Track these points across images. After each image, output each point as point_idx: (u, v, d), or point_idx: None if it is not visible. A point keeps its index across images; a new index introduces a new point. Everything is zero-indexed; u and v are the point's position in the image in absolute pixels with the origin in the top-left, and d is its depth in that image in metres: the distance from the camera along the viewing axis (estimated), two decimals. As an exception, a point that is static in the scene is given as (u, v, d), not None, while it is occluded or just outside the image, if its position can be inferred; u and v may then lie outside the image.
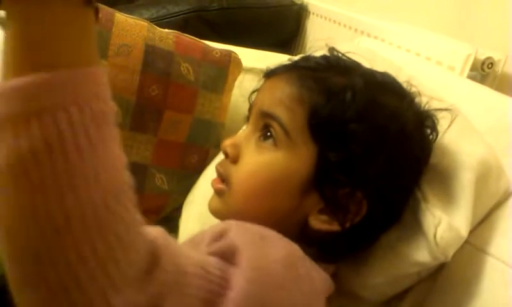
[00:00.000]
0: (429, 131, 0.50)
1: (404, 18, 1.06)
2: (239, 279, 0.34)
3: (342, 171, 0.44)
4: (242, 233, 0.39)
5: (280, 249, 0.40)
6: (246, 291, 0.33)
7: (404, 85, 0.51)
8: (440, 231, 0.45)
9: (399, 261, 0.48)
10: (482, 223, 0.51)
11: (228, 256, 0.36)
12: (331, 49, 0.54)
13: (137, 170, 0.81)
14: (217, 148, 0.86)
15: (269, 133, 0.47)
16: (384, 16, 1.10)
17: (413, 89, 0.51)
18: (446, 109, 0.50)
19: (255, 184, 0.46)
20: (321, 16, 1.41)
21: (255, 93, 0.53)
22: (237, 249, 0.36)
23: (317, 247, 0.46)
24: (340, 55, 0.52)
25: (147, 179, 0.82)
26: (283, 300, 0.37)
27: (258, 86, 0.53)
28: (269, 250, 0.39)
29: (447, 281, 0.51)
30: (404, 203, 0.49)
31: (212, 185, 0.50)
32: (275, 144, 0.46)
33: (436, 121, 0.50)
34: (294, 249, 0.42)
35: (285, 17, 1.45)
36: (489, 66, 0.83)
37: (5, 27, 0.26)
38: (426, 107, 0.51)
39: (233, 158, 0.49)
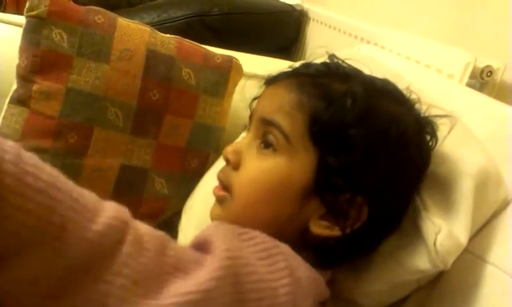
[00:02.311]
0: (428, 137, 0.50)
1: (404, 26, 1.06)
2: (213, 260, 0.36)
3: (342, 176, 0.44)
4: (217, 229, 0.41)
5: (256, 243, 0.41)
6: (220, 271, 0.35)
7: (404, 92, 0.52)
8: (440, 239, 0.45)
9: (399, 268, 0.49)
10: (481, 231, 0.51)
11: (201, 247, 0.38)
12: (331, 56, 0.54)
13: (137, 174, 0.81)
14: (217, 152, 0.86)
15: (269, 140, 0.47)
16: (384, 24, 1.10)
17: (413, 96, 0.52)
18: (445, 116, 0.51)
19: (256, 190, 0.47)
20: (321, 23, 1.41)
21: (256, 101, 0.53)
22: (211, 242, 0.38)
23: (315, 252, 0.46)
24: (340, 62, 0.53)
25: (147, 183, 0.82)
26: (256, 285, 0.38)
27: (259, 92, 0.53)
28: (244, 243, 0.40)
29: (446, 289, 0.51)
30: (404, 210, 0.49)
31: (214, 192, 0.50)
32: (276, 151, 0.46)
33: (435, 127, 0.50)
34: (275, 244, 0.42)
35: (285, 23, 1.46)
36: (488, 74, 0.83)
37: None
38: (426, 114, 0.51)
39: (235, 165, 0.49)
